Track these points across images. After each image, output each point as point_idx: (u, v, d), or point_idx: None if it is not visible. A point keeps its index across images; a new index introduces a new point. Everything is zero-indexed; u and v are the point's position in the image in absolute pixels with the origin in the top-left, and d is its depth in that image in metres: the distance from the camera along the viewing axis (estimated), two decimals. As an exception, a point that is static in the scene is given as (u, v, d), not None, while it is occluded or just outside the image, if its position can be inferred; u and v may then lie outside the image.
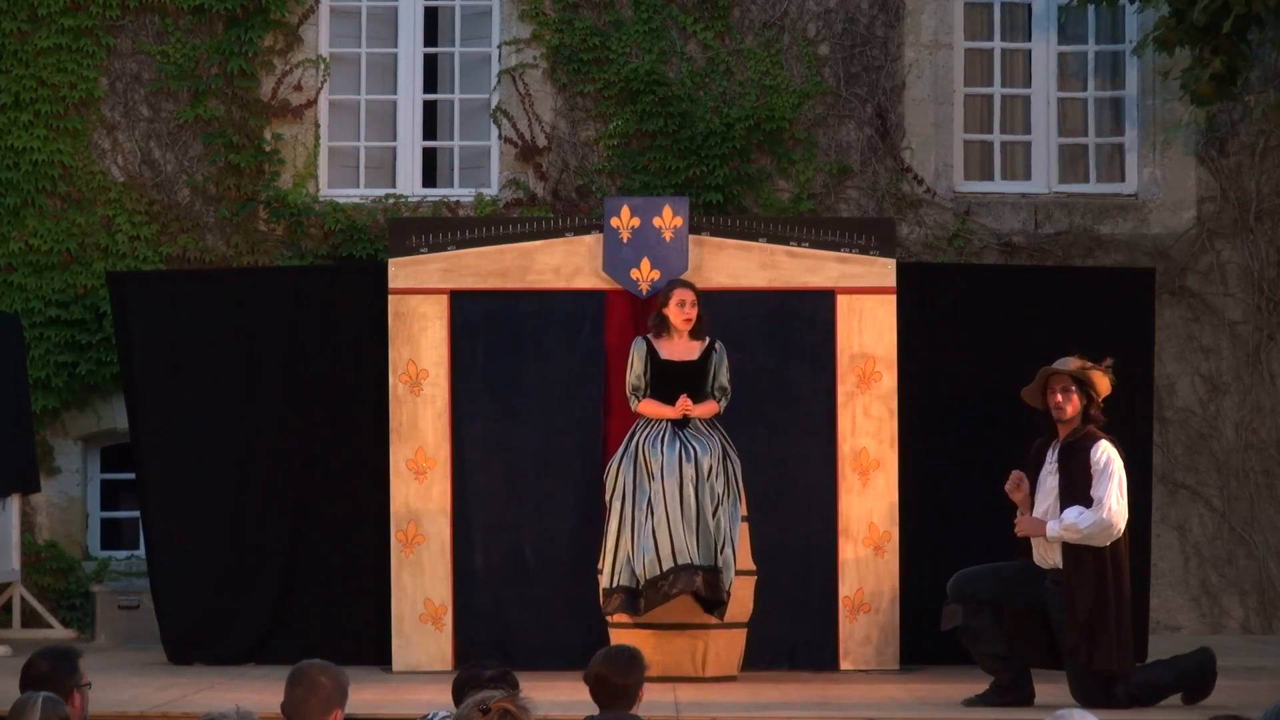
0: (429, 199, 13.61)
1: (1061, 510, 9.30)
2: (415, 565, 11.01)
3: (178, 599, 11.52)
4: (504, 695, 4.95)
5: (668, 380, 10.47)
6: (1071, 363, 9.49)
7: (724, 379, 10.53)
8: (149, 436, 11.63)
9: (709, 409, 10.48)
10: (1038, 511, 9.44)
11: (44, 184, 13.48)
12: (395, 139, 13.80)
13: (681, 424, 10.44)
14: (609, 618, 10.46)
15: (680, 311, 10.47)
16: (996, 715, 9.25)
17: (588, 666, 6.14)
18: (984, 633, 9.46)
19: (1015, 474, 9.56)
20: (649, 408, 10.46)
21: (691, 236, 11.13)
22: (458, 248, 11.14)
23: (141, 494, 11.76)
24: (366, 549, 11.25)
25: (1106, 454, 9.33)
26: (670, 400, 10.44)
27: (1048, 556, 9.38)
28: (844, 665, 11.00)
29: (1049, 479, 9.44)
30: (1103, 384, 9.47)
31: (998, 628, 9.46)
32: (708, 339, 10.56)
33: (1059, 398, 9.40)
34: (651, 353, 10.51)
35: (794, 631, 11.06)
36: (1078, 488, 9.29)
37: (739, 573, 10.35)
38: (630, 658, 6.17)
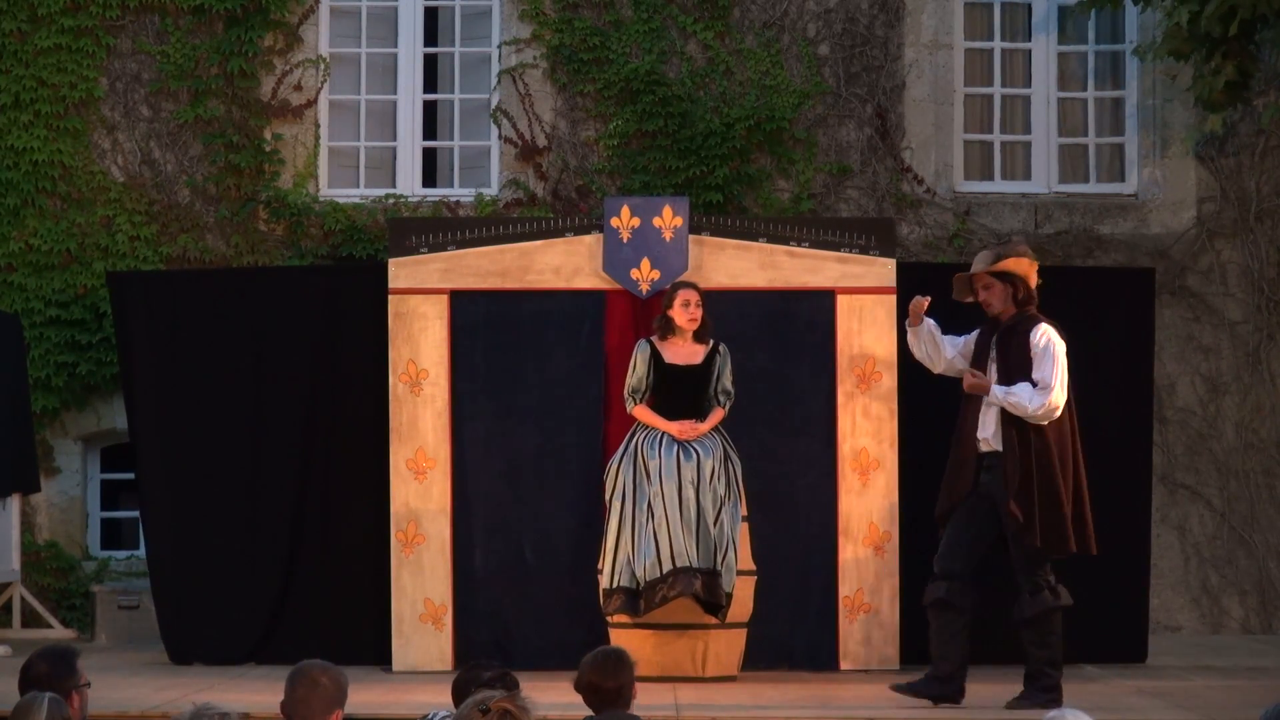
0: (429, 199, 13.62)
1: None
2: (415, 565, 11.01)
3: (178, 599, 11.51)
4: (504, 695, 4.95)
5: (671, 384, 10.46)
6: (984, 258, 9.50)
7: (727, 382, 10.52)
8: (149, 436, 11.63)
9: (713, 421, 10.47)
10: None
11: (44, 184, 13.49)
12: (395, 139, 13.80)
13: (681, 425, 10.46)
14: (609, 618, 10.47)
15: (685, 312, 10.46)
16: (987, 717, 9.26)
17: (577, 674, 6.12)
18: (958, 612, 9.40)
19: (969, 375, 9.53)
20: (644, 415, 10.45)
21: (691, 236, 11.12)
22: (458, 248, 11.14)
23: (141, 494, 11.76)
24: (366, 549, 11.25)
25: (1046, 335, 9.34)
26: (674, 405, 10.42)
27: (991, 441, 9.35)
28: (844, 665, 11.00)
29: (991, 366, 9.45)
30: (1019, 266, 9.44)
31: (963, 616, 9.42)
32: (711, 342, 10.55)
33: (983, 295, 9.45)
34: (655, 356, 10.50)
35: (794, 631, 11.06)
36: (1015, 370, 9.31)
37: (739, 573, 10.35)
38: (617, 659, 6.15)
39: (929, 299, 9.64)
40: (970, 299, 9.59)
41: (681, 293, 10.51)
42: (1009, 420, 9.31)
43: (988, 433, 9.39)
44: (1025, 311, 9.42)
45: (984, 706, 9.46)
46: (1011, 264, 9.43)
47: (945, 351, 9.66)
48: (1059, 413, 9.30)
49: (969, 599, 9.48)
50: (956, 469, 9.54)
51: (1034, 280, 9.49)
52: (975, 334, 9.66)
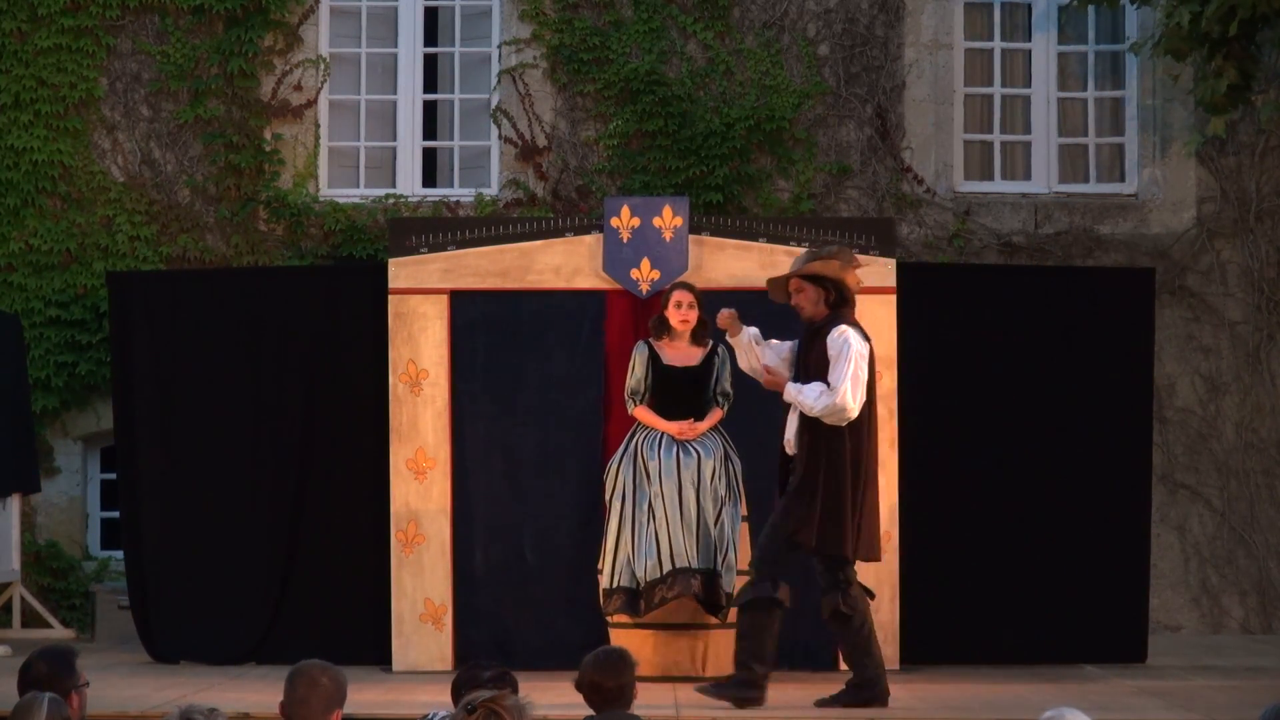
0: (429, 199, 13.62)
1: None
2: (415, 565, 11.01)
3: (178, 599, 11.51)
4: (490, 695, 4.94)
5: (669, 386, 10.45)
6: (796, 261, 9.47)
7: (726, 384, 10.52)
8: (148, 437, 11.63)
9: (712, 421, 10.47)
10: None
11: (44, 184, 13.49)
12: (395, 139, 13.80)
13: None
14: (609, 618, 10.46)
15: (677, 313, 10.46)
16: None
17: (578, 674, 6.12)
18: (776, 612, 9.38)
19: (725, 311, 9.53)
20: (644, 416, 10.45)
21: (691, 236, 11.12)
22: (458, 248, 11.13)
23: (125, 493, 11.72)
24: (366, 549, 11.25)
25: (843, 336, 9.26)
26: (673, 406, 10.42)
27: (792, 443, 9.36)
28: (844, 665, 10.97)
29: (798, 365, 9.46)
30: (828, 269, 9.37)
31: (779, 616, 9.40)
32: (710, 343, 10.54)
33: (794, 299, 9.41)
34: (654, 357, 10.50)
35: (793, 632, 11.03)
36: (815, 372, 9.27)
37: (740, 573, 10.35)
38: (619, 659, 6.15)
39: (733, 310, 9.55)
40: (783, 301, 9.53)
41: (675, 294, 10.51)
42: (805, 423, 9.27)
43: (790, 435, 9.39)
44: (834, 314, 9.35)
45: (982, 706, 9.45)
46: (819, 267, 9.35)
47: (766, 358, 9.54)
48: (850, 414, 9.20)
49: (775, 595, 9.39)
50: (779, 470, 9.53)
51: (852, 284, 9.42)
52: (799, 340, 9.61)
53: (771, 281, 9.60)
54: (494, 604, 11.11)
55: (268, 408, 11.55)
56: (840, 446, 9.23)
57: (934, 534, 11.25)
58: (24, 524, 13.06)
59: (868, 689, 9.30)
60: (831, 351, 9.24)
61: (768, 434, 11.01)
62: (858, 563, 9.49)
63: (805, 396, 9.23)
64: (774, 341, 9.62)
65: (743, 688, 9.27)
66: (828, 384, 9.20)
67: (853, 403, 9.19)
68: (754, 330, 9.61)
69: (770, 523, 9.44)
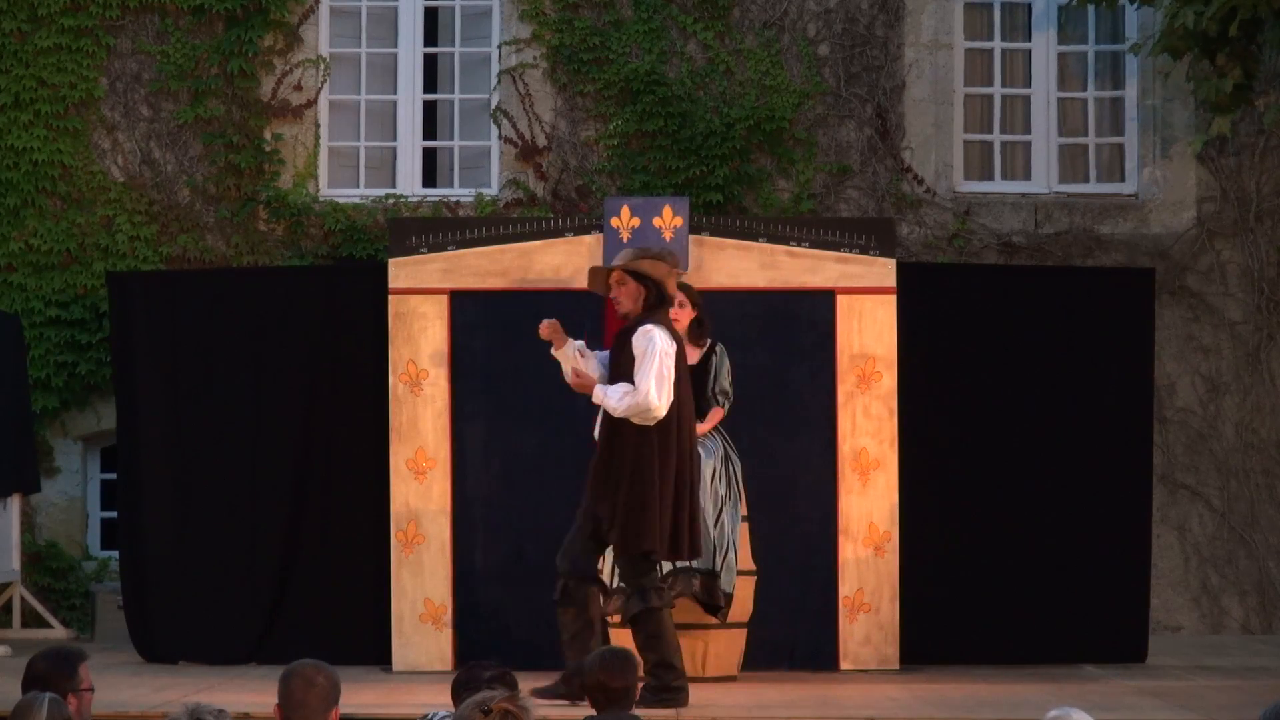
0: (429, 199, 13.62)
1: None
2: (415, 565, 11.01)
3: (173, 599, 11.50)
4: (504, 696, 4.95)
5: (667, 384, 10.45)
6: (623, 255, 9.41)
7: (725, 382, 10.51)
8: (148, 436, 11.63)
9: (713, 421, 10.46)
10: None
11: (44, 184, 13.49)
12: (395, 139, 13.80)
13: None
14: (609, 618, 10.45)
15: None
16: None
17: (583, 673, 6.12)
18: (578, 609, 9.34)
19: (546, 322, 9.49)
20: (644, 416, 10.46)
21: (691, 236, 11.12)
22: (458, 248, 11.13)
23: (126, 493, 11.73)
24: (366, 549, 11.25)
25: (647, 336, 9.19)
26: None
27: (597, 432, 9.37)
28: (844, 665, 10.99)
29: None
30: (655, 270, 9.32)
31: (585, 613, 9.34)
32: (709, 342, 10.54)
33: (614, 290, 9.34)
34: (651, 355, 10.49)
35: (794, 631, 11.06)
36: (624, 371, 9.23)
37: (739, 573, 10.35)
38: (626, 659, 6.16)
39: (555, 320, 9.50)
40: (603, 293, 9.49)
41: None
42: (609, 422, 9.26)
43: (596, 432, 9.39)
44: (645, 315, 9.29)
45: (982, 706, 9.45)
46: (649, 265, 9.30)
47: (593, 370, 9.48)
48: (656, 413, 9.15)
49: (584, 594, 9.35)
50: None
51: (671, 290, 9.38)
52: None
53: (593, 270, 9.53)
54: (494, 604, 11.11)
55: (268, 408, 11.55)
56: (649, 445, 9.19)
57: (934, 534, 11.25)
58: (24, 524, 13.06)
59: (670, 694, 9.21)
60: (637, 350, 9.18)
61: (768, 434, 11.05)
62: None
63: (609, 398, 9.19)
64: (600, 353, 9.55)
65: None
66: (633, 384, 9.17)
67: (658, 401, 9.14)
68: (579, 343, 9.53)
69: (578, 526, 9.40)
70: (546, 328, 9.47)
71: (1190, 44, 11.35)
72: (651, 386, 9.12)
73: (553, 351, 9.54)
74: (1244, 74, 11.31)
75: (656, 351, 9.14)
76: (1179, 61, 11.91)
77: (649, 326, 9.22)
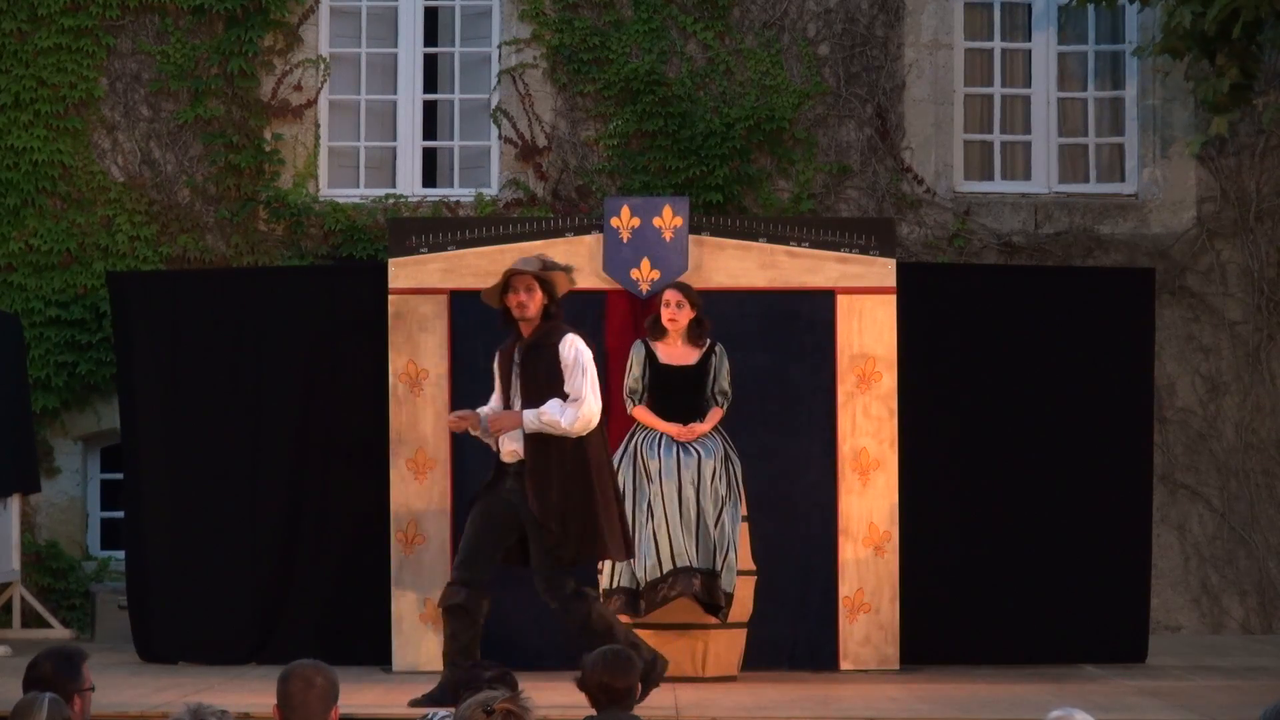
0: (429, 199, 13.62)
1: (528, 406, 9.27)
2: (415, 565, 11.01)
3: (173, 599, 11.50)
4: (506, 696, 4.95)
5: (666, 385, 10.45)
6: (534, 262, 9.42)
7: (724, 383, 10.51)
8: (148, 436, 11.63)
9: (712, 421, 10.46)
10: (514, 409, 9.38)
11: (44, 184, 13.49)
12: (395, 139, 13.80)
13: (681, 426, 10.46)
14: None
15: (666, 311, 10.46)
16: None
17: (584, 672, 6.11)
18: (474, 618, 9.34)
19: (452, 417, 9.56)
20: (643, 416, 10.45)
21: (691, 236, 11.13)
22: (458, 248, 11.14)
23: (130, 493, 11.73)
24: (366, 549, 11.25)
25: (574, 346, 9.27)
26: (670, 406, 10.41)
27: (508, 445, 9.33)
28: (844, 665, 11.00)
29: (516, 383, 9.40)
30: (562, 283, 9.38)
31: (478, 622, 9.37)
32: (708, 342, 10.54)
33: (523, 296, 9.31)
34: (650, 356, 10.50)
35: (794, 631, 11.06)
36: (545, 386, 9.24)
37: (739, 573, 10.35)
38: (627, 659, 6.16)
39: (454, 415, 9.55)
40: (496, 305, 9.44)
41: (665, 293, 10.53)
42: (533, 436, 9.24)
43: (516, 444, 9.32)
44: (551, 325, 9.34)
45: (982, 706, 9.45)
46: (561, 277, 9.36)
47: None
48: (595, 420, 9.25)
49: (483, 605, 9.38)
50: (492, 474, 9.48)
51: (561, 294, 9.43)
52: (494, 368, 9.54)
53: (492, 290, 9.46)
54: (494, 604, 11.08)
55: (268, 408, 11.55)
56: (584, 454, 9.24)
57: (934, 534, 11.25)
58: (24, 524, 13.07)
59: (654, 668, 9.20)
60: (566, 361, 9.25)
61: (768, 434, 11.05)
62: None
63: (553, 417, 9.18)
64: (482, 409, 9.55)
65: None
66: (564, 397, 9.19)
67: (598, 408, 9.26)
68: (485, 410, 9.53)
69: (475, 532, 9.36)
70: (455, 421, 9.50)
71: (1189, 44, 11.35)
72: (590, 395, 9.23)
73: (476, 435, 9.52)
74: (1242, 74, 11.31)
75: (586, 360, 9.28)
76: (1179, 62, 11.91)
77: (572, 337, 9.31)
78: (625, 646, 8.94)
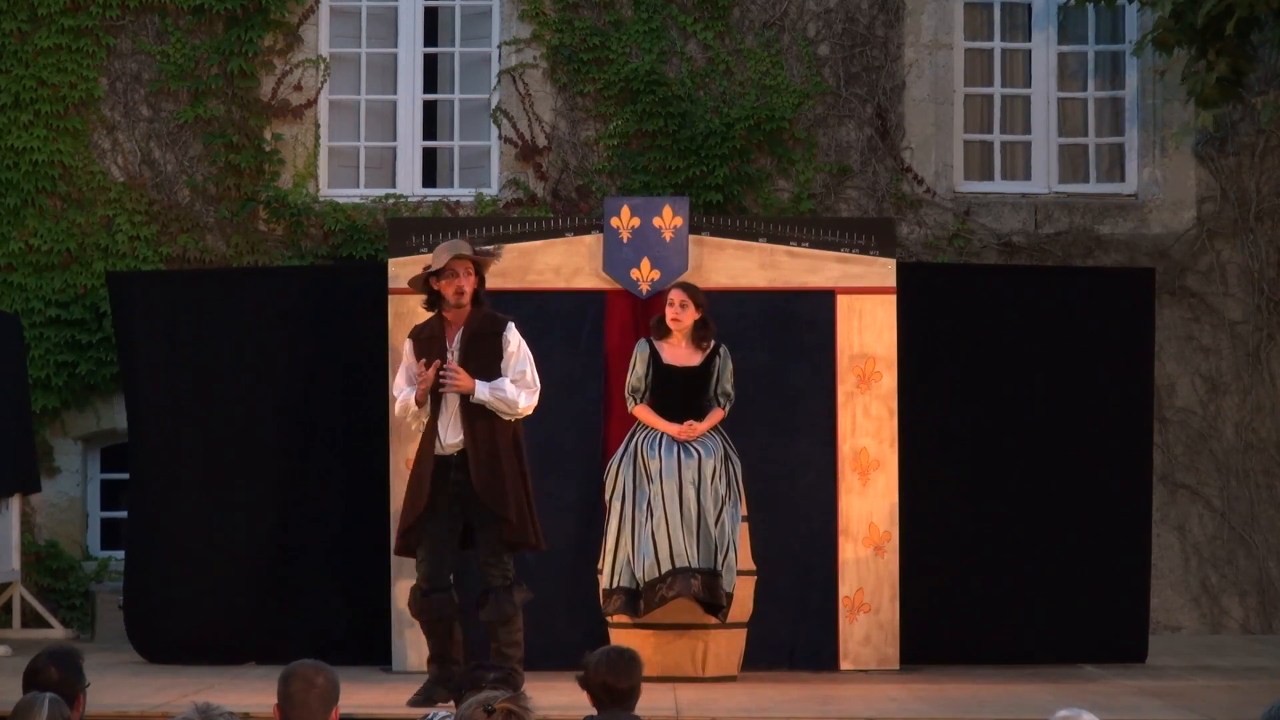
0: (429, 199, 13.62)
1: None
2: (415, 565, 10.98)
3: (172, 599, 11.50)
4: (508, 696, 4.95)
5: (669, 385, 10.45)
6: (465, 246, 9.59)
7: (727, 384, 10.51)
8: (148, 436, 11.63)
9: (713, 421, 10.46)
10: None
11: (44, 184, 13.48)
12: (395, 139, 13.80)
13: (681, 426, 10.46)
14: (609, 618, 10.47)
15: (669, 311, 10.46)
16: None
17: (586, 672, 6.11)
18: (450, 620, 9.59)
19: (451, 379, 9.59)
20: (644, 415, 10.45)
21: (691, 236, 11.13)
22: (458, 248, 11.12)
23: (134, 494, 11.73)
24: (366, 549, 11.25)
25: (518, 335, 9.61)
26: (673, 406, 10.42)
27: (451, 438, 9.48)
28: (844, 665, 11.00)
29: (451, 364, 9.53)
30: (487, 267, 9.63)
31: (453, 621, 9.61)
32: (712, 343, 10.53)
33: (462, 281, 9.52)
34: (654, 356, 10.50)
35: (794, 631, 11.07)
36: (488, 369, 9.46)
37: (739, 573, 10.35)
38: (631, 659, 6.16)
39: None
40: (425, 292, 9.63)
41: (670, 292, 10.54)
42: (475, 421, 9.42)
43: (456, 437, 9.47)
44: (486, 311, 9.59)
45: (982, 706, 9.45)
46: (488, 261, 9.63)
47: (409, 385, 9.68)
48: (533, 407, 9.60)
49: (454, 607, 9.63)
50: (417, 483, 9.59)
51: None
52: (410, 356, 9.65)
53: (417, 277, 9.67)
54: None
55: (267, 408, 11.55)
56: (517, 441, 9.53)
57: (934, 534, 11.25)
58: (24, 524, 13.06)
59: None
60: (511, 344, 9.56)
61: (768, 434, 11.05)
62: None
63: (509, 395, 9.46)
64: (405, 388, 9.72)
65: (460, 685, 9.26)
66: (510, 381, 9.48)
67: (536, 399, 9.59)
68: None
69: (448, 533, 9.58)
70: (428, 373, 9.51)
71: (1179, 37, 11.34)
72: (537, 383, 9.56)
73: (441, 384, 9.55)
74: (1231, 69, 11.28)
75: (524, 346, 9.60)
76: (1171, 57, 11.90)
77: (512, 323, 9.63)
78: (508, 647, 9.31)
